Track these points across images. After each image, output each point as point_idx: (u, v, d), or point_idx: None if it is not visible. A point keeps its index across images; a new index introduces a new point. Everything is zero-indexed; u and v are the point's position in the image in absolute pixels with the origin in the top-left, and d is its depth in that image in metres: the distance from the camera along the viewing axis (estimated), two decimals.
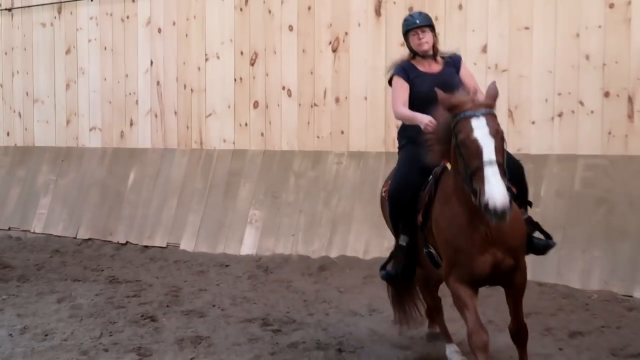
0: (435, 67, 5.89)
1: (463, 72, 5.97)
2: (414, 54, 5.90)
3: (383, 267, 6.08)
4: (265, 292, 8.27)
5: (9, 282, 8.92)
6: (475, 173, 4.68)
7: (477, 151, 4.66)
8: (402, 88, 5.80)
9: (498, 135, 4.72)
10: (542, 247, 5.64)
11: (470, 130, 4.73)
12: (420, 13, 6.07)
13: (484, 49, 8.73)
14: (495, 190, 4.56)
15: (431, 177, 5.39)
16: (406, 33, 5.92)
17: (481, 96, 4.97)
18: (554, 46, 8.39)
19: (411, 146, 5.68)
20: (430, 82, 5.59)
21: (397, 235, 5.83)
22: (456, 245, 5.10)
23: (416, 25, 5.89)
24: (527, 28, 8.52)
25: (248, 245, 9.91)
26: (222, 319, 7.29)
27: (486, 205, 4.54)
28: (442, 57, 5.97)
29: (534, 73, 8.48)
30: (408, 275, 5.91)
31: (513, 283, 5.24)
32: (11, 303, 7.98)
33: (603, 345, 6.11)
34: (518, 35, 8.58)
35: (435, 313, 6.23)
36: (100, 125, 11.83)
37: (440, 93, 4.99)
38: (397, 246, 5.85)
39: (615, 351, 5.96)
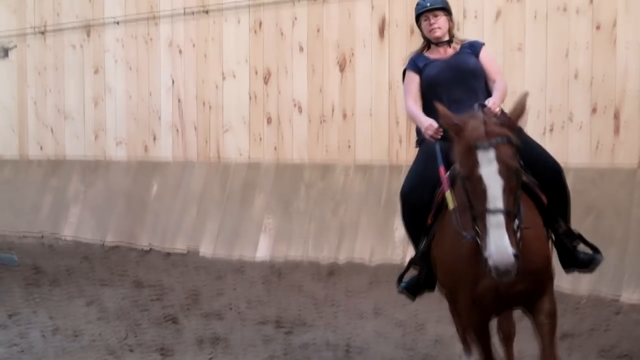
0: (449, 52, 4.99)
1: (483, 57, 4.96)
2: (427, 42, 5.03)
3: (400, 279, 5.06)
4: (278, 295, 8.27)
5: (41, 285, 8.95)
6: (478, 217, 3.77)
7: (481, 193, 3.72)
8: (412, 82, 4.94)
9: (510, 172, 3.75)
10: (586, 262, 4.75)
11: (475, 165, 3.76)
12: None
13: None
14: (497, 247, 3.61)
15: (448, 174, 4.40)
16: (418, 18, 5.03)
17: (495, 122, 3.91)
18: (544, 64, 8.36)
19: (429, 142, 4.71)
20: (439, 65, 4.87)
21: (414, 242, 4.86)
22: (454, 260, 4.22)
23: (427, 8, 4.95)
24: (519, 48, 8.50)
25: (262, 251, 9.88)
26: (239, 320, 7.30)
27: (486, 261, 3.66)
28: (460, 44, 5.05)
29: (526, 89, 8.42)
30: (430, 284, 4.87)
31: (538, 310, 4.22)
32: (44, 305, 8.01)
33: (592, 346, 6.08)
34: (511, 55, 8.54)
35: None
36: (126, 140, 11.84)
37: (441, 108, 4.03)
38: (416, 253, 4.83)
39: (604, 352, 5.94)
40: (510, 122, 3.92)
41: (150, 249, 10.81)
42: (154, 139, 11.51)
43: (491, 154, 3.73)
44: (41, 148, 12.92)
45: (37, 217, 12.27)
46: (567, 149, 8.17)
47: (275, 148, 10.33)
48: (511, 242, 3.63)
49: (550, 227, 4.63)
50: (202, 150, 11.01)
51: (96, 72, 12.17)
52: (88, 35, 12.27)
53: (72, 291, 8.62)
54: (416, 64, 4.97)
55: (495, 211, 3.68)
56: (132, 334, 6.91)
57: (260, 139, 10.45)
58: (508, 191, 3.71)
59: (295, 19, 10.15)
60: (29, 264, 10.05)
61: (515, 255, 3.62)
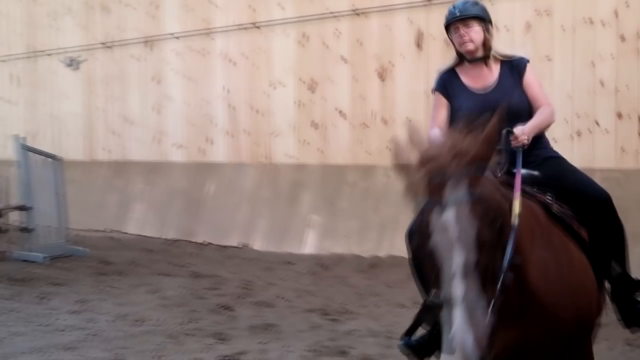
0: (486, 77, 3.77)
1: (527, 82, 3.76)
2: (459, 57, 3.87)
3: (408, 333, 3.61)
4: (324, 286, 8.24)
5: (109, 276, 9.00)
6: (436, 300, 2.55)
7: (435, 272, 2.51)
8: (440, 108, 3.81)
9: (477, 242, 2.46)
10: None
11: (428, 231, 2.51)
12: (465, 2, 3.85)
13: None
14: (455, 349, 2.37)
15: None
16: (448, 28, 3.85)
17: (462, 164, 2.55)
18: (572, 74, 8.27)
19: None
20: (474, 100, 3.67)
21: (425, 290, 3.47)
22: None
23: (456, 17, 3.77)
24: (548, 58, 8.40)
25: (309, 246, 9.89)
26: (288, 309, 7.28)
27: None
28: (501, 60, 3.82)
29: (555, 97, 8.32)
30: (436, 344, 3.27)
31: None
32: (112, 294, 8.05)
33: (619, 335, 5.93)
34: (540, 64, 8.44)
35: None
36: (184, 143, 11.93)
37: (395, 145, 2.74)
38: (424, 306, 3.48)
39: (630, 341, 5.82)
40: (484, 152, 2.61)
41: (207, 243, 10.87)
42: (210, 142, 11.59)
43: (450, 214, 2.48)
44: (107, 151, 13.08)
45: (104, 214, 12.42)
46: (594, 152, 8.07)
47: (320, 151, 10.33)
48: (476, 345, 2.38)
49: (603, 274, 3.49)
50: (254, 153, 11.05)
51: (157, 82, 12.29)
52: (150, 48, 12.37)
53: (136, 281, 8.67)
54: (446, 88, 3.83)
55: (453, 301, 2.43)
56: (191, 320, 6.90)
57: (307, 142, 10.46)
58: (475, 269, 2.45)
59: (339, 32, 10.15)
60: (97, 256, 10.09)
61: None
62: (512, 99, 3.64)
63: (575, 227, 3.33)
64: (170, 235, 11.41)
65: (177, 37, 11.91)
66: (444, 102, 3.82)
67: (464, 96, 3.75)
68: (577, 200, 3.45)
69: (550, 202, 3.36)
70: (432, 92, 3.96)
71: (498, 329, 2.68)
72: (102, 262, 9.82)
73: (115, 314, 7.16)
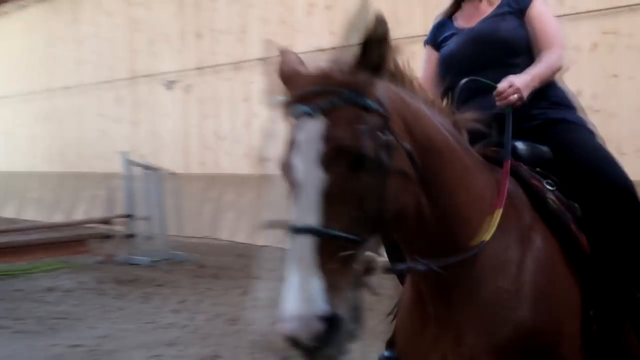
0: (482, 14, 2.84)
1: (533, 16, 2.71)
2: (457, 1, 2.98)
3: (389, 344, 2.75)
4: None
5: (205, 278, 9.14)
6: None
7: (287, 197, 1.83)
8: (428, 62, 2.96)
9: (343, 159, 1.76)
10: None
11: (289, 141, 1.87)
12: None
13: (579, 93, 8.47)
14: (289, 299, 1.69)
15: None
16: None
17: (343, 68, 1.89)
18: (638, 90, 8.09)
19: None
20: (458, 39, 2.83)
21: None
22: (399, 325, 2.40)
23: None
24: (615, 75, 8.24)
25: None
26: (369, 311, 7.14)
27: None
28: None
29: (623, 113, 8.17)
30: None
31: None
32: (207, 295, 8.17)
33: None
34: (607, 82, 8.29)
35: None
36: (271, 157, 12.04)
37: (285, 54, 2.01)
38: None
39: None
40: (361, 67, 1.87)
41: None
42: None
43: (311, 123, 1.78)
44: (202, 165, 13.34)
45: (200, 221, 12.60)
46: None
47: None
48: (329, 295, 1.68)
49: (613, 297, 2.28)
50: None
51: (246, 101, 12.48)
52: (239, 71, 12.58)
53: (229, 283, 8.75)
54: (436, 38, 2.96)
55: (298, 230, 1.73)
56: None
57: None
58: (339, 196, 1.75)
59: (413, 54, 10.14)
60: (194, 260, 10.28)
61: (331, 319, 1.66)
62: (500, 30, 2.70)
63: (573, 230, 2.28)
64: (261, 241, 11.49)
65: (263, 61, 12.09)
66: (433, 54, 2.96)
67: (451, 39, 2.87)
68: (586, 184, 2.37)
69: (549, 189, 2.37)
70: (423, 45, 3.06)
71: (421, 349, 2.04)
72: (199, 265, 9.97)
73: (212, 313, 7.27)
